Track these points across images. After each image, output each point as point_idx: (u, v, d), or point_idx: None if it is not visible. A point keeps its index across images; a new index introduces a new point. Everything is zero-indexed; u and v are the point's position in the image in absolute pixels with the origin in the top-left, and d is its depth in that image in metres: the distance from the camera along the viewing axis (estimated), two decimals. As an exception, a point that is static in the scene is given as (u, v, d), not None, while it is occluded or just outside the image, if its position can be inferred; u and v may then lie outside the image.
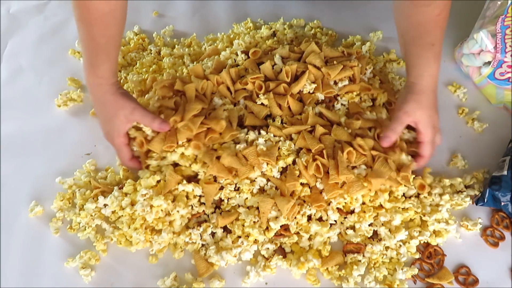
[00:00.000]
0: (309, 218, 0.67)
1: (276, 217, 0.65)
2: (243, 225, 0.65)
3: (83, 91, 0.83)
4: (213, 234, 0.67)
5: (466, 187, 0.73)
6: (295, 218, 0.65)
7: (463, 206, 0.69)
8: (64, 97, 0.81)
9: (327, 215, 0.67)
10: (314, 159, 0.66)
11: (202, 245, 0.66)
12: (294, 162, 0.68)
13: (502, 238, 0.68)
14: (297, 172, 0.67)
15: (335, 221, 0.67)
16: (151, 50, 0.89)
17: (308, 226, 0.65)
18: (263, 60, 0.78)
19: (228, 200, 0.67)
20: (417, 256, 0.66)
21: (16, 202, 0.71)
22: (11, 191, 0.72)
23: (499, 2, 0.76)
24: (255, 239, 0.65)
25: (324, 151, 0.66)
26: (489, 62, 0.79)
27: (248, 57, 0.80)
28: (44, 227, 0.68)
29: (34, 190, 0.72)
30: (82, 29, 0.64)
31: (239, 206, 0.67)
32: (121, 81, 0.82)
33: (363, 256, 0.65)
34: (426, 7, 0.62)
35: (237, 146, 0.67)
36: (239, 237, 0.65)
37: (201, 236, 0.65)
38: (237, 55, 0.81)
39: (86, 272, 0.63)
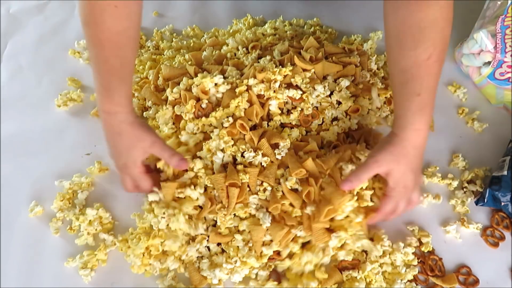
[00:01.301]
0: (303, 244, 0.64)
1: (271, 241, 0.63)
2: (238, 249, 0.63)
3: (83, 91, 0.83)
4: (208, 247, 0.65)
5: (468, 182, 0.73)
6: (288, 246, 0.63)
7: (465, 205, 0.70)
8: (64, 97, 0.81)
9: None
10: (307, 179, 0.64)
11: (197, 257, 0.65)
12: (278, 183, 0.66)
13: (502, 238, 0.68)
14: (280, 194, 0.64)
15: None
16: (148, 46, 0.89)
17: (300, 253, 0.63)
18: (263, 55, 0.78)
19: (224, 224, 0.64)
20: (415, 262, 0.65)
21: (16, 202, 0.71)
22: (11, 191, 0.72)
23: (499, 2, 0.76)
24: (251, 266, 0.63)
25: (311, 180, 0.63)
26: (489, 62, 0.79)
27: (248, 52, 0.81)
28: (44, 227, 0.68)
29: (34, 190, 0.72)
30: (93, 51, 0.58)
31: (235, 227, 0.65)
32: None
33: (359, 272, 0.63)
34: (412, 51, 0.55)
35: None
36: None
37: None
38: (238, 49, 0.82)
39: (86, 272, 0.63)
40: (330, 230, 0.63)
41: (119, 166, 0.65)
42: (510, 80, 0.78)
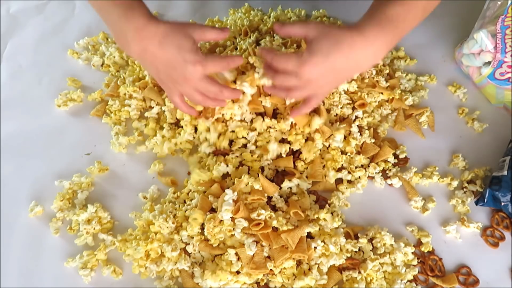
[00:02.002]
0: (298, 263, 0.64)
1: (267, 257, 0.62)
2: (231, 263, 0.62)
3: (83, 91, 0.83)
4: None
5: (468, 182, 0.73)
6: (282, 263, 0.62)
7: (465, 205, 0.70)
8: (64, 97, 0.81)
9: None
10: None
11: (191, 262, 0.64)
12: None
13: (502, 238, 0.68)
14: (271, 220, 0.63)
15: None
16: None
17: (293, 267, 0.63)
18: (262, 38, 0.79)
19: (214, 235, 0.63)
20: (415, 262, 0.65)
21: (16, 202, 0.71)
22: (11, 191, 0.72)
23: (499, 2, 0.76)
24: (243, 282, 0.62)
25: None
26: (489, 62, 0.79)
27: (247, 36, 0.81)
28: (44, 227, 0.68)
29: (34, 190, 0.72)
30: None
31: (224, 244, 0.64)
32: (118, 81, 0.82)
33: (359, 273, 0.63)
34: None
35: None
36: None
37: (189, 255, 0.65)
38: (235, 38, 0.82)
39: (86, 272, 0.63)
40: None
41: (181, 79, 0.58)
42: (510, 80, 0.78)
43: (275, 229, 0.63)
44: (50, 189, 0.71)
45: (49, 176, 0.73)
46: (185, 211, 0.66)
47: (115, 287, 0.64)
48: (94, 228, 0.67)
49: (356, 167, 0.72)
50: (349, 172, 0.72)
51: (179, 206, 0.68)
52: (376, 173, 0.73)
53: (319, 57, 0.54)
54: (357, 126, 0.75)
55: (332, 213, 0.67)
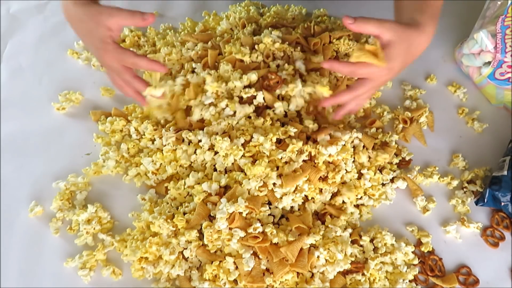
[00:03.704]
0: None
1: (266, 270, 0.62)
2: (229, 272, 0.61)
3: (83, 91, 0.83)
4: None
5: (468, 182, 0.73)
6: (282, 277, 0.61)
7: (465, 205, 0.70)
8: (63, 98, 0.81)
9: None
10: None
11: (189, 266, 0.64)
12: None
13: (502, 238, 0.68)
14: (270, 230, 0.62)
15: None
16: (145, 46, 0.89)
17: (293, 281, 0.62)
18: (260, 32, 0.79)
19: (213, 241, 0.63)
20: (416, 261, 0.65)
21: (16, 202, 0.71)
22: (11, 191, 0.72)
23: (499, 2, 0.76)
24: None
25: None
26: (489, 62, 0.79)
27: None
28: (44, 227, 0.68)
29: (34, 190, 0.72)
30: None
31: (221, 251, 0.64)
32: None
33: (363, 274, 0.63)
34: None
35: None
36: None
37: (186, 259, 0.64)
38: (232, 30, 0.82)
39: (85, 273, 0.63)
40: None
41: (98, 58, 0.64)
42: (510, 80, 0.78)
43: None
44: (50, 189, 0.71)
45: (49, 176, 0.73)
46: (184, 214, 0.66)
47: (114, 287, 0.64)
48: (94, 228, 0.67)
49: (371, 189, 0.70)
50: (369, 197, 0.70)
51: (177, 208, 0.68)
52: (386, 183, 0.72)
53: (397, 62, 0.58)
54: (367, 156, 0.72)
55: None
